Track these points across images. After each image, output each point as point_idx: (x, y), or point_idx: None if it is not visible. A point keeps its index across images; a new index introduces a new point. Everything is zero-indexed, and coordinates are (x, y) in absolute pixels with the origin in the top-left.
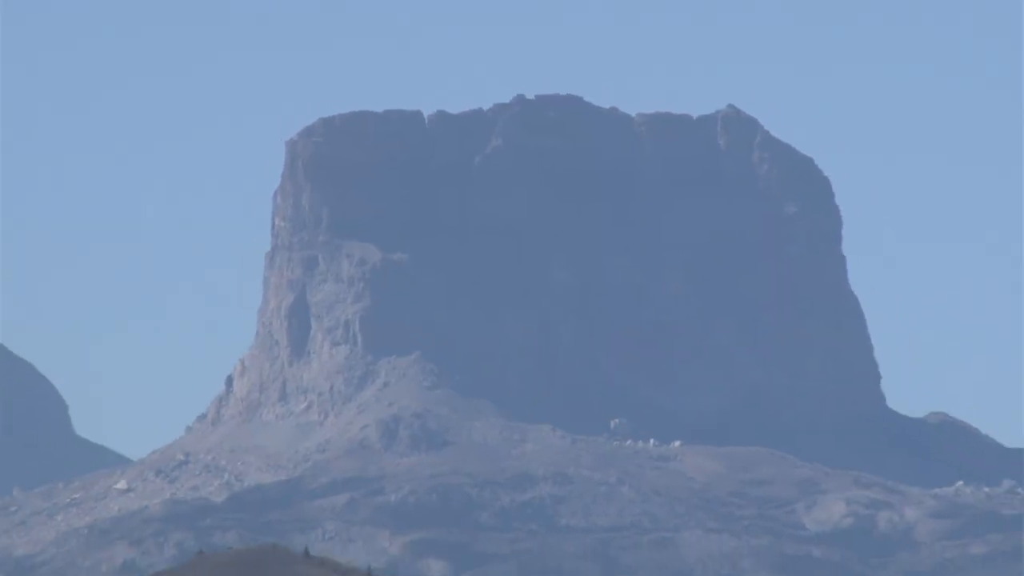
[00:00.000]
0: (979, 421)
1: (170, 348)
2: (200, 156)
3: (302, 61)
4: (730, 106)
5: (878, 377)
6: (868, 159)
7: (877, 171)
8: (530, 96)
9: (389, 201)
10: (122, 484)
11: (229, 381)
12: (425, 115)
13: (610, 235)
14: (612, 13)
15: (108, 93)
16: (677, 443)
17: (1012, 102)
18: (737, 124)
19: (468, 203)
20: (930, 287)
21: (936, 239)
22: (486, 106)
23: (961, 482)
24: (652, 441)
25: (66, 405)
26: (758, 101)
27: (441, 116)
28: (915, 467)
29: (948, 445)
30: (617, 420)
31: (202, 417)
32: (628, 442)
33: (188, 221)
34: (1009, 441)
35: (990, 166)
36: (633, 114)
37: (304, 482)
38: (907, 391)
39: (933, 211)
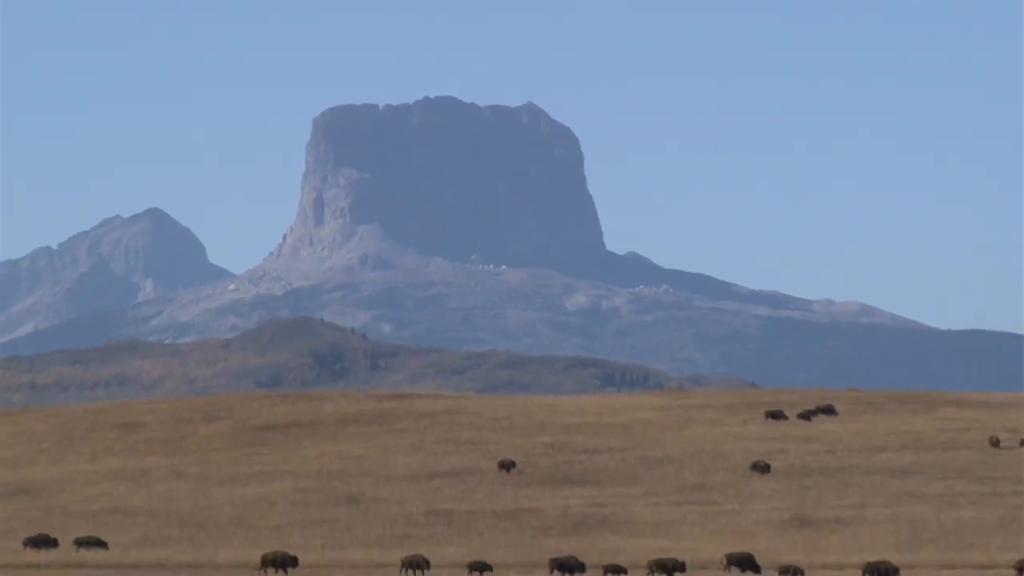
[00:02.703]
0: (652, 255)
1: (257, 219)
2: (273, 125)
3: (322, 72)
4: (529, 102)
5: (601, 234)
6: (597, 129)
7: (601, 134)
8: (432, 96)
9: (363, 149)
10: (232, 286)
11: (284, 236)
12: (380, 106)
13: (471, 167)
14: (472, 46)
15: (214, 89)
16: (504, 267)
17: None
18: (532, 111)
19: (402, 151)
20: (629, 190)
21: (634, 163)
22: (410, 101)
23: (642, 286)
24: (491, 266)
25: (203, 247)
26: (543, 98)
27: (389, 107)
28: (619, 278)
29: (636, 268)
30: (474, 255)
31: (272, 253)
32: (479, 266)
33: (266, 159)
34: (667, 264)
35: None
36: (482, 105)
37: (322, 286)
38: (617, 242)
39: (628, 151)
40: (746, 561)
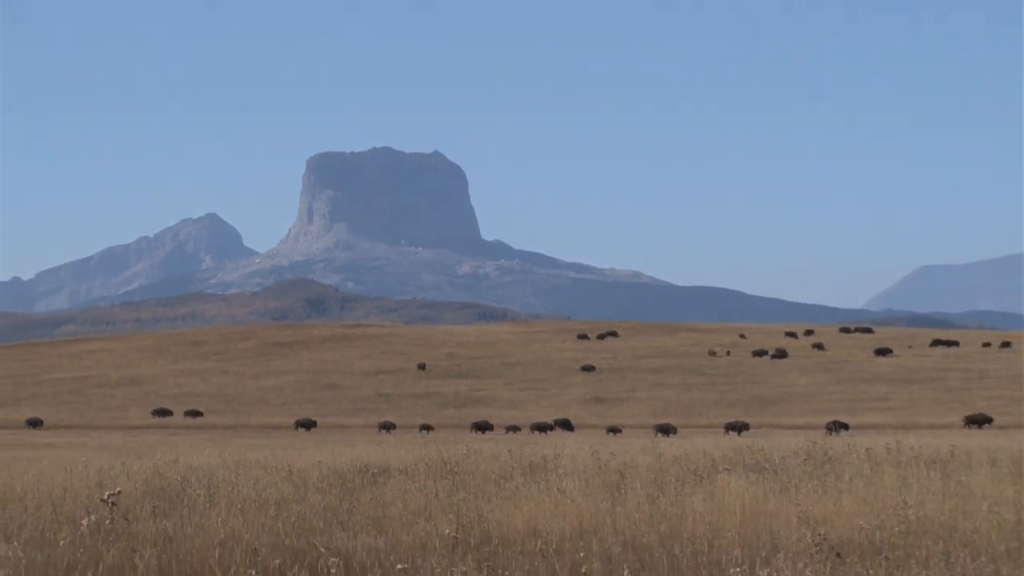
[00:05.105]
0: (509, 241)
1: (273, 219)
2: (284, 163)
3: (312, 131)
4: (435, 150)
5: (479, 229)
6: (476, 166)
7: (478, 169)
8: (378, 146)
9: (336, 178)
10: (258, 260)
11: (289, 230)
12: (347, 152)
13: (400, 189)
14: (401, 119)
15: (242, 98)
16: (420, 248)
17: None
18: (437, 155)
19: (360, 179)
20: (495, 202)
21: (498, 186)
22: (365, 149)
23: (503, 260)
24: (413, 247)
25: (240, 236)
26: (444, 147)
27: (352, 152)
28: (489, 255)
29: (499, 249)
30: (402, 241)
31: (282, 240)
32: (406, 248)
33: (279, 184)
34: (517, 247)
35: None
36: (407, 152)
37: (312, 260)
38: (488, 233)
39: (495, 179)
40: (565, 423)
